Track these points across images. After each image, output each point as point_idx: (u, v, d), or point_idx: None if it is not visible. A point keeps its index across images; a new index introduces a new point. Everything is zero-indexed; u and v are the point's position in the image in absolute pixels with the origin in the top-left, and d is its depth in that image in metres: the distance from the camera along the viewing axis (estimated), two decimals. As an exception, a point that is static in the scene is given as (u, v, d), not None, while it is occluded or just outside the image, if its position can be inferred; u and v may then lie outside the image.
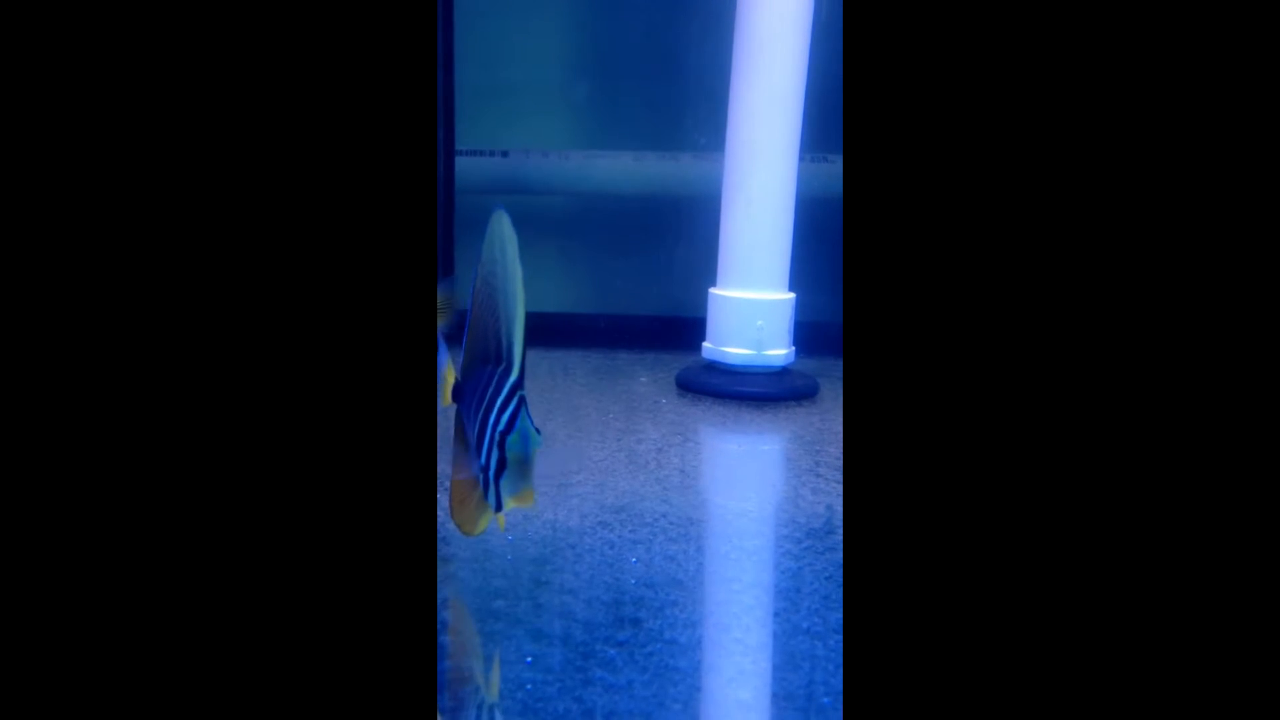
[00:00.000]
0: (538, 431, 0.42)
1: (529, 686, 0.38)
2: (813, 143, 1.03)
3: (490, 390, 0.43)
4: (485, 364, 0.44)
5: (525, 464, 0.41)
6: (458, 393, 0.46)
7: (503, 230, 0.42)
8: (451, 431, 0.45)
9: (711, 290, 1.03)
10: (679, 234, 1.28)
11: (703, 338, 1.03)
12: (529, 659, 0.40)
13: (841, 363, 1.10)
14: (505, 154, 1.24)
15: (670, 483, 0.67)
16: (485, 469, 0.42)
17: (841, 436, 0.83)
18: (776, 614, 0.46)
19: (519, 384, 0.42)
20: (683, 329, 1.18)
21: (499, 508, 0.43)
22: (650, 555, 0.53)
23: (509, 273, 0.42)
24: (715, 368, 1.02)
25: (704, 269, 1.06)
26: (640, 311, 1.29)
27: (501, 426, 0.41)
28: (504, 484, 0.41)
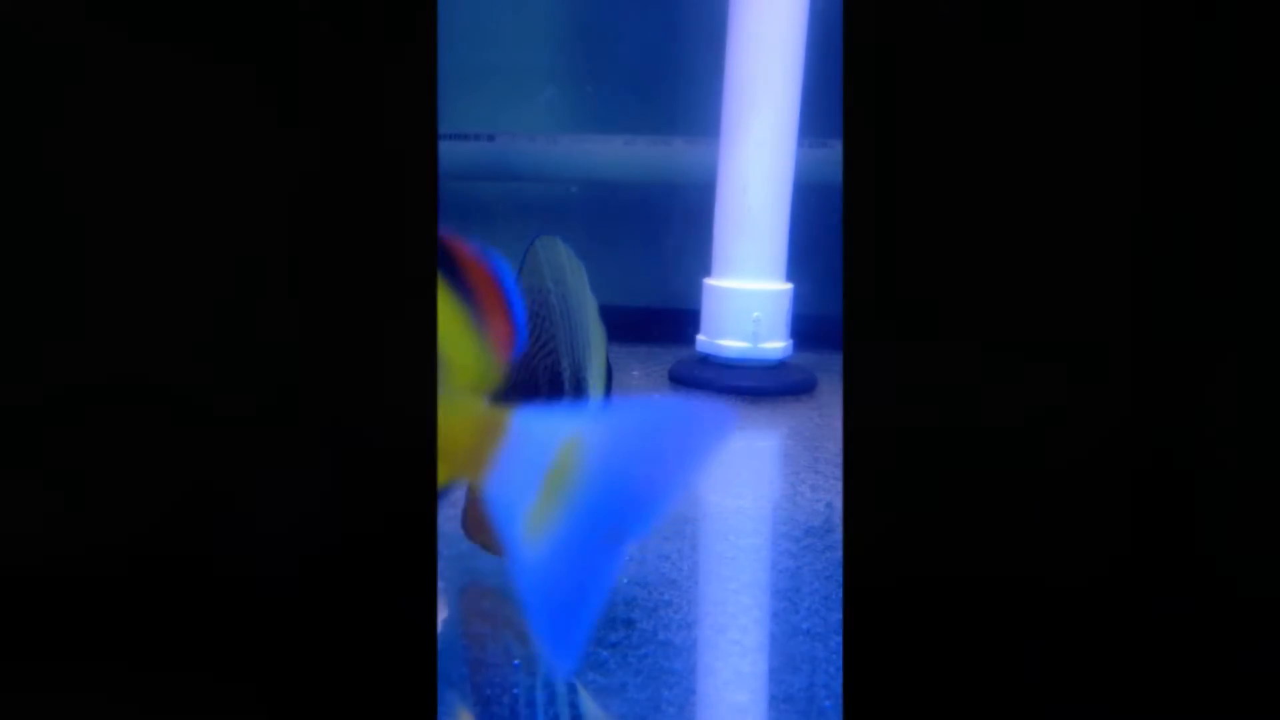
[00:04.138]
0: None
1: (516, 690, 0.37)
2: (811, 127, 1.02)
3: None
4: (529, 396, 0.43)
5: None
6: None
7: (559, 258, 0.40)
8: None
9: (706, 280, 1.02)
10: (672, 222, 1.27)
11: (697, 330, 1.02)
12: (516, 662, 0.40)
13: (841, 356, 1.10)
14: (491, 138, 1.23)
15: (664, 477, 0.66)
16: None
17: (841, 432, 0.82)
18: (775, 614, 0.46)
19: None
20: (676, 321, 1.17)
21: None
22: (644, 554, 0.52)
23: (577, 303, 0.40)
24: (710, 361, 1.01)
25: (698, 258, 1.05)
26: (632, 303, 1.28)
27: None
28: None
